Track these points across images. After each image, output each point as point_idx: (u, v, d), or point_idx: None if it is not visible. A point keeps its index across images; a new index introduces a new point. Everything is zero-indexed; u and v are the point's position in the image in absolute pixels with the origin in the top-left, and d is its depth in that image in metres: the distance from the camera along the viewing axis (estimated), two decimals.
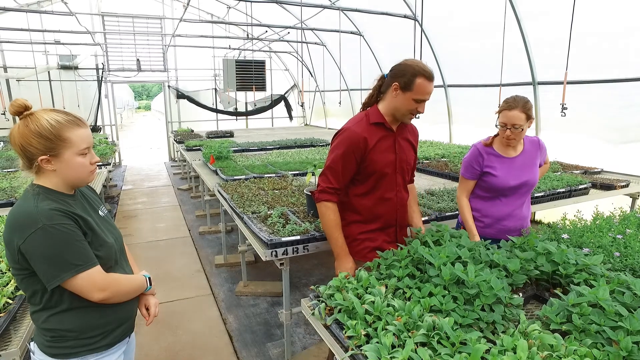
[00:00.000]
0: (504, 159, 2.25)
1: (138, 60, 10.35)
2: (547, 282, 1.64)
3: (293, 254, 2.38)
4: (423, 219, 2.64)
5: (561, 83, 4.75)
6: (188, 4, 5.09)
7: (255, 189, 3.61)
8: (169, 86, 11.32)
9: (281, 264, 2.40)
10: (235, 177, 4.12)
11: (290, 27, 7.05)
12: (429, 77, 1.85)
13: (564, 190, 3.32)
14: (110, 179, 9.01)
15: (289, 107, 12.46)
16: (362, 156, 1.90)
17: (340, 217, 2.02)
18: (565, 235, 1.99)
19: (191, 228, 5.69)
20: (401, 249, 1.75)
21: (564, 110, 3.23)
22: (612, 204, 3.38)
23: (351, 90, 9.55)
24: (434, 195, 3.24)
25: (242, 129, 11.34)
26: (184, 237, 5.34)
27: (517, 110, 2.11)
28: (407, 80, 1.83)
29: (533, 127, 5.24)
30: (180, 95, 11.39)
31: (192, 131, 9.62)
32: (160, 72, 10.81)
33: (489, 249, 1.75)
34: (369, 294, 1.45)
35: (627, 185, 3.73)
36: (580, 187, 3.43)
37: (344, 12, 7.46)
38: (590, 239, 1.98)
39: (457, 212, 2.80)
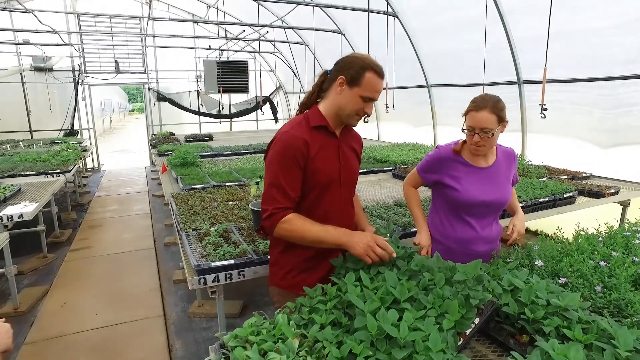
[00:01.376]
0: (472, 168, 1.91)
1: (116, 61, 9.98)
2: (513, 326, 1.31)
3: (226, 280, 2.04)
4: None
5: (548, 82, 4.46)
6: (151, 2, 4.74)
7: (208, 200, 3.27)
8: (149, 88, 10.96)
9: (212, 292, 2.05)
10: (192, 186, 3.78)
11: (267, 26, 6.72)
12: (380, 72, 1.54)
13: (547, 199, 3.00)
14: (84, 185, 8.65)
15: (274, 109, 12.12)
16: (305, 163, 1.56)
17: (275, 241, 1.70)
18: (539, 262, 1.65)
19: (157, 238, 5.33)
20: (332, 283, 1.42)
21: (543, 112, 2.90)
22: (597, 220, 3.07)
23: None
24: (401, 207, 2.90)
25: (226, 132, 10.99)
26: (148, 249, 4.98)
27: (486, 111, 1.75)
28: (355, 73, 1.52)
29: (519, 130, 4.92)
30: (161, 98, 11.03)
31: (173, 134, 9.29)
32: (140, 74, 10.46)
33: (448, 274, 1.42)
34: (277, 350, 1.12)
35: (616, 193, 3.42)
36: (566, 195, 3.10)
37: (324, 9, 7.15)
38: (569, 264, 1.65)
39: None
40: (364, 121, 1.69)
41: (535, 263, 1.65)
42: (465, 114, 1.86)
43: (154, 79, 11.20)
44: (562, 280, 1.55)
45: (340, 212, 1.69)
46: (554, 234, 2.05)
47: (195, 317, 3.39)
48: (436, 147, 2.04)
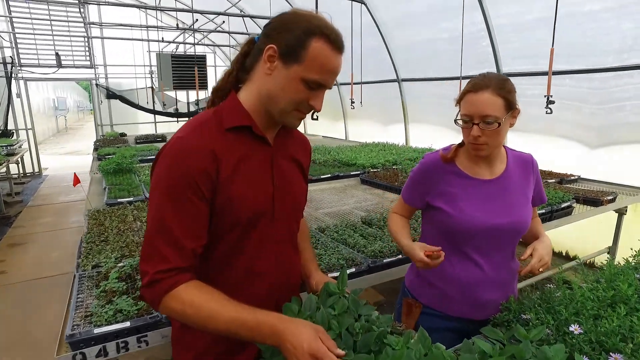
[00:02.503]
0: (471, 181, 1.37)
1: (57, 54, 8.94)
2: None
3: (119, 353, 1.39)
4: (348, 271, 1.73)
5: (532, 74, 4.04)
6: None
7: (131, 219, 2.59)
8: (97, 84, 9.95)
9: None
10: (119, 200, 3.07)
11: (221, 14, 6.02)
12: (335, 41, 0.94)
13: (544, 211, 2.51)
14: (17, 194, 7.64)
15: None
16: (213, 190, 0.94)
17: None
18: (575, 328, 1.11)
19: None
20: None
21: (549, 106, 2.40)
22: (596, 229, 2.63)
23: None
24: (371, 226, 2.32)
25: None
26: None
27: (488, 92, 1.23)
28: (295, 40, 0.92)
29: None
30: (111, 95, 10.02)
31: (124, 135, 8.40)
32: (86, 69, 9.47)
33: None
34: None
35: (614, 200, 2.99)
36: (563, 205, 2.63)
37: None
38: (624, 328, 1.12)
39: (405, 257, 1.90)
40: (312, 118, 1.14)
41: (570, 329, 1.11)
42: (460, 99, 1.33)
43: (102, 74, 10.20)
44: (614, 358, 1.01)
45: (275, 264, 1.09)
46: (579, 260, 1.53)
47: None
48: (424, 157, 1.48)
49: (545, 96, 2.54)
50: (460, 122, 1.32)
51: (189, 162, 0.91)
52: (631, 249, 1.66)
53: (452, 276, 1.38)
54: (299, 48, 0.91)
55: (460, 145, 1.41)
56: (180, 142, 0.94)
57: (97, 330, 1.36)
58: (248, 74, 1.03)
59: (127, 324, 1.40)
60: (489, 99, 1.23)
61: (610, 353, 1.04)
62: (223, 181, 0.95)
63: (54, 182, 8.91)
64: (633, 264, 1.61)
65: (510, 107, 1.26)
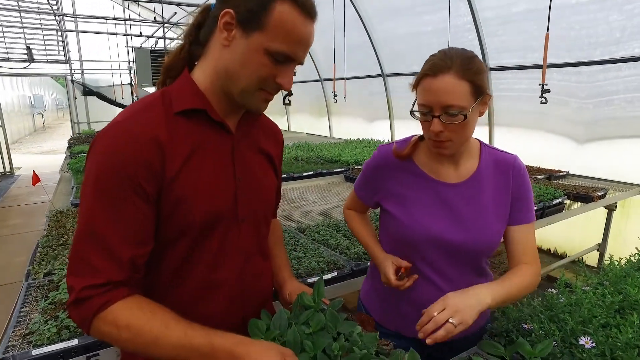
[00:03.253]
0: (430, 183, 1.14)
1: (28, 47, 8.54)
2: None
3: None
4: (325, 277, 1.57)
5: (520, 68, 3.95)
6: None
7: None
8: (72, 81, 9.57)
9: None
10: None
11: (200, 6, 5.76)
12: (304, 5, 0.77)
13: (535, 208, 2.39)
14: None
15: None
16: (159, 187, 0.77)
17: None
18: (586, 342, 0.97)
19: None
20: None
21: (543, 95, 2.29)
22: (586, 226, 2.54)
23: None
24: None
25: None
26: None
27: (450, 75, 0.97)
28: (256, 3, 0.75)
29: (485, 124, 4.38)
30: (88, 92, 9.65)
31: None
32: (60, 64, 9.08)
33: None
34: None
35: (604, 195, 2.91)
36: (555, 202, 2.53)
37: None
38: (627, 342, 0.99)
39: None
40: (284, 103, 1.08)
41: (580, 342, 0.97)
42: (415, 84, 1.06)
43: (78, 70, 9.82)
44: None
45: (239, 275, 0.92)
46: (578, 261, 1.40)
47: None
48: (378, 148, 1.26)
49: (540, 84, 2.43)
50: (417, 113, 1.05)
51: (126, 152, 0.73)
52: (636, 248, 1.54)
53: (405, 293, 1.15)
54: (261, 12, 0.75)
55: (422, 138, 1.17)
56: (115, 129, 0.76)
57: (36, 352, 1.16)
58: (203, 48, 0.86)
59: (75, 341, 1.21)
60: (452, 84, 0.97)
61: None
62: (170, 176, 0.77)
63: (27, 182, 8.52)
64: (635, 262, 1.50)
65: (479, 93, 1.00)
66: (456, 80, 0.97)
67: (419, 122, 1.10)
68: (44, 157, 12.29)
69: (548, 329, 1.08)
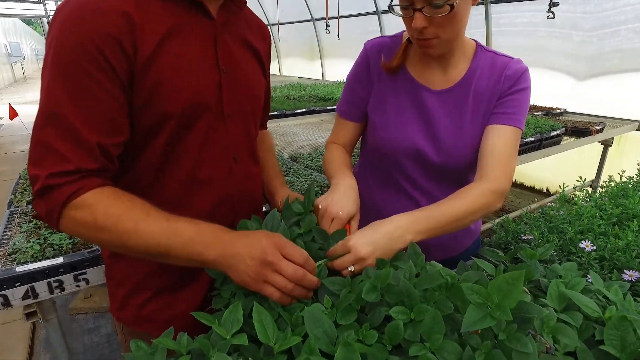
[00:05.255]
0: (416, 90, 1.01)
1: None
2: None
3: (52, 294, 1.17)
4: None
5: (520, 0, 3.73)
6: None
7: None
8: (48, 22, 9.00)
9: (30, 317, 1.19)
10: None
11: None
12: None
13: (533, 139, 2.35)
14: None
15: None
16: (131, 67, 0.68)
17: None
18: (586, 245, 0.94)
19: None
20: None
21: (551, 10, 2.14)
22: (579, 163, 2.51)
23: (272, 25, 8.01)
24: None
25: None
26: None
27: None
28: None
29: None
30: None
31: None
32: (32, 3, 8.49)
33: None
34: None
35: (602, 130, 2.86)
36: (553, 134, 2.47)
37: None
38: (627, 245, 0.96)
39: None
40: None
41: (581, 247, 0.94)
42: None
43: (54, 11, 9.21)
44: (629, 275, 0.86)
45: (228, 174, 0.85)
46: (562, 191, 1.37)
47: (81, 313, 2.52)
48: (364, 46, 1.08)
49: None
50: (397, 8, 0.89)
51: (90, 23, 0.64)
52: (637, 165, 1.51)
53: (385, 209, 1.06)
54: None
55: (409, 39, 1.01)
56: (75, 2, 0.66)
57: (20, 268, 1.12)
58: None
59: (60, 259, 1.18)
60: None
61: (625, 270, 0.89)
62: (144, 58, 0.68)
63: (11, 131, 8.27)
64: (635, 181, 1.47)
65: None
66: None
67: None
68: (28, 107, 11.89)
69: (548, 237, 1.06)
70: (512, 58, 1.01)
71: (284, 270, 0.63)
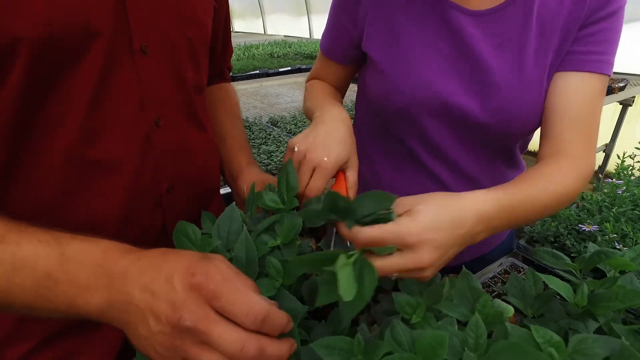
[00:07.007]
0: (445, 9, 0.63)
1: None
2: None
3: None
4: None
5: None
6: None
7: None
8: None
9: None
10: None
11: None
12: None
13: None
14: None
15: None
16: None
17: None
18: None
19: None
20: None
21: None
22: None
23: None
24: None
25: None
26: None
27: None
28: None
29: None
30: None
31: None
32: None
33: None
34: None
35: (624, 87, 2.54)
36: None
37: None
38: None
39: None
40: None
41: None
42: None
43: None
44: None
45: (144, 149, 0.50)
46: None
47: None
48: None
49: None
50: None
51: None
52: None
53: (399, 190, 0.73)
54: None
55: None
56: None
57: None
58: None
59: None
60: None
61: None
62: None
63: None
64: None
65: None
66: None
67: None
68: None
69: (626, 231, 0.76)
70: None
71: (219, 345, 0.31)
